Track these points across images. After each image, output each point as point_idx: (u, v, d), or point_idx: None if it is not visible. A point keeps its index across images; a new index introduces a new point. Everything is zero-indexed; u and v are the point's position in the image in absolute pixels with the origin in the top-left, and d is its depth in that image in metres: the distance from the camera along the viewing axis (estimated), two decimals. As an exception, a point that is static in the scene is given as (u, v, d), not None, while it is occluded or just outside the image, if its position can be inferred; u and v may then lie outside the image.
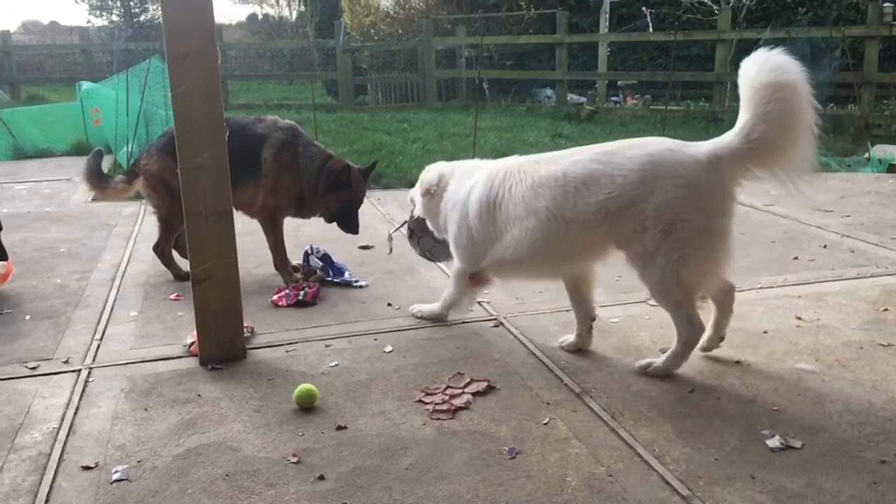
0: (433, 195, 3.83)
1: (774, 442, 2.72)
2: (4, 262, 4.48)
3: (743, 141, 3.03)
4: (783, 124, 3.00)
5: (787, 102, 2.98)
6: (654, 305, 4.08)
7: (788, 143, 3.04)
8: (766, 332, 3.75)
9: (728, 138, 3.07)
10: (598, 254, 3.37)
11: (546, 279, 3.85)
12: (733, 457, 2.66)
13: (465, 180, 3.68)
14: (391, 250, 4.40)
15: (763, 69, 2.98)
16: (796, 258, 5.00)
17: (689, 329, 3.21)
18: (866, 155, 8.90)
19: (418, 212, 4.02)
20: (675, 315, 3.24)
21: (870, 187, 7.45)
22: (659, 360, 3.30)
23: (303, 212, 4.76)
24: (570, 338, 3.59)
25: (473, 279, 3.73)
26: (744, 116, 3.03)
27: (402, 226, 4.37)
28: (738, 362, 3.41)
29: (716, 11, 13.70)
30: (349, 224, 4.64)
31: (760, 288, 4.41)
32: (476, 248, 3.59)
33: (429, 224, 4.01)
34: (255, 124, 4.58)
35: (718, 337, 3.42)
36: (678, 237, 3.06)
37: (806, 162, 3.13)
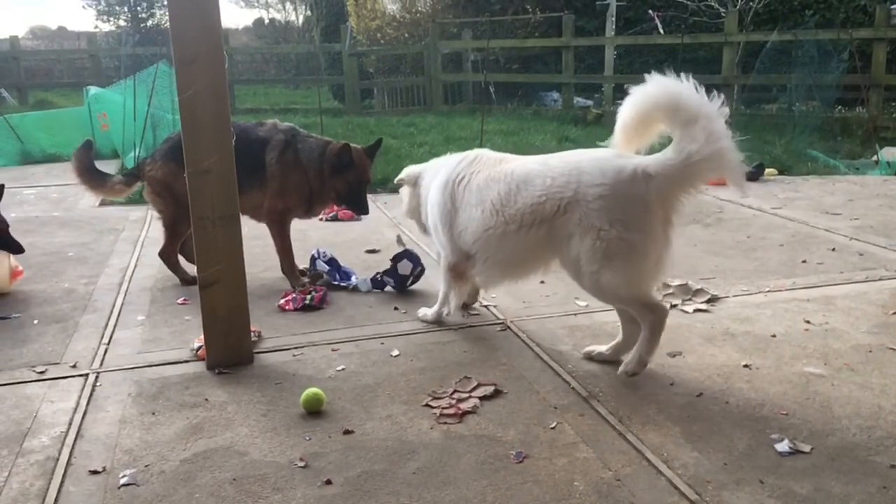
0: (414, 190, 4.03)
1: (783, 446, 2.71)
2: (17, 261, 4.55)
3: (683, 160, 2.99)
4: (715, 139, 2.96)
5: (714, 122, 2.96)
6: (661, 309, 4.08)
7: (723, 155, 2.99)
8: (774, 335, 3.74)
9: (666, 155, 3.06)
10: (541, 260, 3.42)
11: (508, 282, 3.81)
12: (742, 461, 2.64)
13: (438, 171, 3.83)
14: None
15: (684, 92, 3.02)
16: (804, 261, 4.98)
17: (651, 313, 3.19)
18: (874, 157, 8.87)
19: (404, 207, 4.20)
20: (631, 309, 3.26)
21: (878, 190, 7.42)
22: (631, 355, 3.27)
23: (313, 209, 4.74)
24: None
25: (454, 272, 3.77)
26: (679, 135, 3.02)
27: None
28: (746, 366, 3.39)
29: (722, 14, 13.68)
30: (357, 204, 4.62)
31: (769, 291, 4.39)
32: (444, 230, 3.69)
33: (413, 219, 4.19)
34: (257, 128, 4.60)
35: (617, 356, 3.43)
36: (596, 247, 3.08)
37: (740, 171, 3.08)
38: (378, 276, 4.50)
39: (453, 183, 3.61)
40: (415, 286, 4.50)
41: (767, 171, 8.21)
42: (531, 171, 3.32)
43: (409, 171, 4.11)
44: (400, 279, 4.45)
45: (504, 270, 3.59)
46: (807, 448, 2.70)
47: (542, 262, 3.45)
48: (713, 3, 14.52)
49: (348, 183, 4.52)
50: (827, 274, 4.70)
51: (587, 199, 3.09)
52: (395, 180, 4.19)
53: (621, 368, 3.28)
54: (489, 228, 3.41)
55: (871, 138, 9.79)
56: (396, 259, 4.48)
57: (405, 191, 4.13)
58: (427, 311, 3.99)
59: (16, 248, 4.62)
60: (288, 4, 34.45)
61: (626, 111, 3.18)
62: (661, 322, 3.22)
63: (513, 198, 3.32)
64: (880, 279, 4.58)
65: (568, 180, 3.16)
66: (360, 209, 4.66)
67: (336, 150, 4.49)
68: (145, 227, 6.16)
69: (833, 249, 5.24)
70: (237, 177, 3.39)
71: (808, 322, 3.90)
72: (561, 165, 3.24)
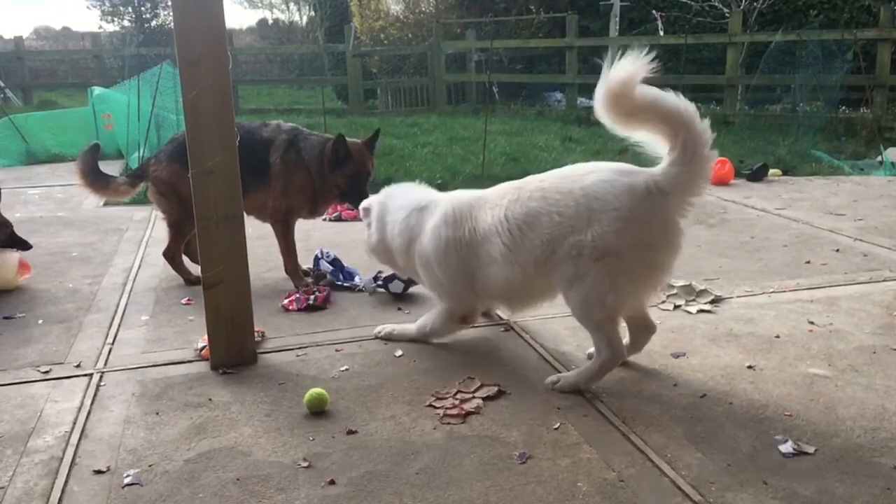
0: (378, 224, 3.77)
1: (787, 447, 2.71)
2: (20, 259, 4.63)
3: (686, 162, 2.95)
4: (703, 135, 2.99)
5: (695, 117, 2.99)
6: (664, 310, 4.08)
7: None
8: (778, 336, 3.73)
9: (669, 164, 2.99)
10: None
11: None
12: (745, 462, 2.64)
13: (412, 214, 3.59)
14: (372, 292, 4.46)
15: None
16: (808, 262, 4.97)
17: (609, 351, 3.12)
18: (879, 158, 8.85)
19: (367, 244, 3.90)
20: (595, 336, 3.15)
21: (882, 191, 7.41)
22: (570, 373, 3.24)
23: (317, 208, 4.71)
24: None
25: (463, 320, 3.62)
26: (677, 139, 2.97)
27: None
28: (750, 367, 3.39)
29: (726, 14, 13.68)
30: (359, 198, 4.54)
31: (773, 292, 4.38)
32: (451, 288, 3.50)
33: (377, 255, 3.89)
34: (261, 129, 4.61)
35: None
36: (612, 267, 2.97)
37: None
38: (378, 279, 4.46)
39: (451, 248, 3.38)
40: (419, 288, 4.49)
41: (771, 171, 8.20)
42: (530, 211, 3.12)
43: (370, 202, 3.88)
44: (397, 294, 4.40)
45: (529, 304, 3.48)
46: (811, 449, 2.70)
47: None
48: (717, 4, 14.52)
49: (348, 176, 4.47)
50: (831, 275, 4.70)
51: (602, 224, 2.95)
52: (360, 208, 3.96)
53: (552, 378, 3.23)
54: (510, 277, 3.24)
55: (876, 139, 9.77)
56: (387, 280, 4.39)
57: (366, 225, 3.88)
58: (392, 328, 3.80)
59: (23, 245, 4.75)
60: (292, 5, 34.51)
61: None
62: (615, 363, 3.17)
63: (519, 243, 3.15)
64: (884, 280, 4.57)
65: (577, 211, 3.00)
66: (361, 202, 4.63)
67: (331, 143, 4.43)
68: (149, 227, 6.17)
69: (837, 250, 5.24)
70: (242, 178, 3.40)
71: (811, 323, 3.89)
72: (564, 197, 3.05)
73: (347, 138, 4.50)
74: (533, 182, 3.23)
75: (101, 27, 29.89)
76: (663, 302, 4.18)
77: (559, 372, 3.34)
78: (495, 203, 3.29)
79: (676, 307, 4.12)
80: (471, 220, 3.35)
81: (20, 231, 4.83)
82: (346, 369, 3.43)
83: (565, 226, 3.03)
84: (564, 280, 3.10)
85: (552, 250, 3.08)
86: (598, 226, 2.96)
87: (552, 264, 3.11)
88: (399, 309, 4.20)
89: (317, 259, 4.77)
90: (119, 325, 4.01)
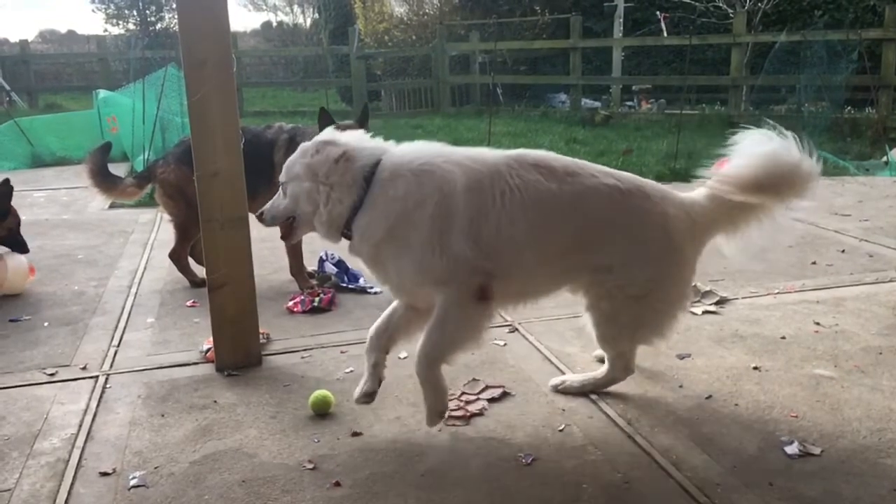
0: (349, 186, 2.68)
1: (793, 448, 2.70)
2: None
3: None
4: None
5: None
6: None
7: None
8: (783, 337, 3.72)
9: (705, 204, 2.94)
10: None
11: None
12: (751, 464, 2.63)
13: (417, 175, 2.67)
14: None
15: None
16: (814, 263, 4.96)
17: (623, 371, 3.11)
18: (884, 158, 8.83)
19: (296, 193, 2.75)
20: (612, 359, 3.12)
21: (888, 191, 7.39)
22: (576, 377, 3.22)
23: None
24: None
25: (484, 295, 2.69)
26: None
27: None
28: (755, 368, 3.38)
29: (731, 15, 13.66)
30: None
31: (778, 293, 4.38)
32: (458, 257, 2.64)
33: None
34: (265, 131, 4.62)
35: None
36: (651, 305, 2.89)
37: None
38: None
39: (475, 216, 2.67)
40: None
41: (776, 172, 8.16)
42: (616, 204, 2.78)
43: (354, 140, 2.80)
44: None
45: (539, 295, 3.06)
46: (816, 450, 2.69)
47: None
48: (721, 4, 14.50)
49: None
50: (836, 275, 4.69)
51: (666, 260, 2.87)
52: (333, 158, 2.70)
53: (557, 380, 3.21)
54: (547, 270, 2.88)
55: (881, 139, 9.74)
56: None
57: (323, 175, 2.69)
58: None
59: (21, 248, 4.72)
60: (296, 7, 34.55)
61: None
62: (622, 379, 3.15)
63: (588, 234, 2.79)
64: (890, 280, 4.56)
65: (664, 235, 2.83)
66: None
67: (318, 120, 4.20)
68: (154, 229, 6.18)
69: (842, 251, 5.22)
70: (250, 181, 3.40)
71: (817, 324, 3.88)
72: (651, 215, 2.83)
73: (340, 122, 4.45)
74: (609, 171, 2.89)
75: (106, 30, 29.90)
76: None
77: (564, 374, 3.34)
78: (557, 172, 2.80)
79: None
80: (510, 185, 2.74)
81: (26, 234, 4.84)
82: (351, 371, 3.43)
83: (647, 239, 2.82)
84: (596, 312, 2.95)
85: (600, 247, 2.81)
86: (664, 261, 2.86)
87: (588, 273, 2.88)
88: (404, 311, 4.19)
89: (321, 261, 4.78)
90: (124, 328, 4.02)
